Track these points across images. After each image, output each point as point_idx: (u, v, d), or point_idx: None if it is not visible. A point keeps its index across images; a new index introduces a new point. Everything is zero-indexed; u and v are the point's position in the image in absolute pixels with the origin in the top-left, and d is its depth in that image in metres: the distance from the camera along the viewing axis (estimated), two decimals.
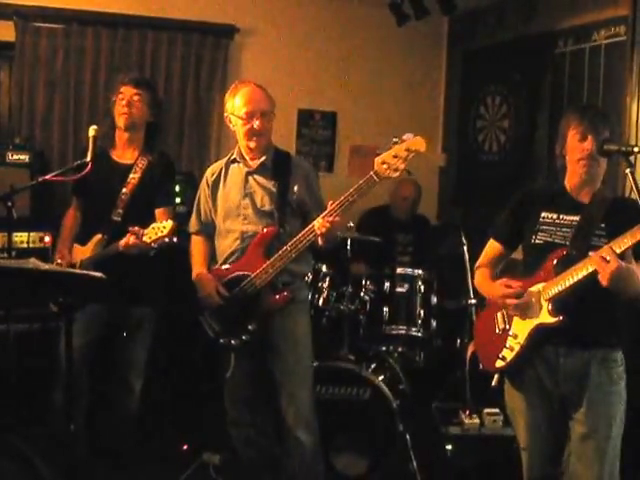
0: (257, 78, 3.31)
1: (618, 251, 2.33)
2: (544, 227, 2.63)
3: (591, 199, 2.60)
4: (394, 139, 2.86)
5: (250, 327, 3.11)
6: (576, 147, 2.55)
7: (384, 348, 4.14)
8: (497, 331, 2.72)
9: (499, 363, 2.68)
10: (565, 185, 2.66)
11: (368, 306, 4.08)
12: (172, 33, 4.95)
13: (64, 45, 4.77)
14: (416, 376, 4.19)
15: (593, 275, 2.38)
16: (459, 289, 4.24)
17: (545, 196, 2.70)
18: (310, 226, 2.99)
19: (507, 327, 2.69)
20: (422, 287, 4.17)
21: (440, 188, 5.80)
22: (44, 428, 3.42)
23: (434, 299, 4.19)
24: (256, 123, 3.09)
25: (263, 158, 3.18)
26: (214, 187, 3.27)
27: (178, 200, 4.22)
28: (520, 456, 2.75)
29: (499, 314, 2.73)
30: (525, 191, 2.81)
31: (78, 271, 3.19)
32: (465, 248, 4.15)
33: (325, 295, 3.93)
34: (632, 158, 2.47)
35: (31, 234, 3.94)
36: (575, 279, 2.45)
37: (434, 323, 4.16)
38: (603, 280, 2.33)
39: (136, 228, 3.17)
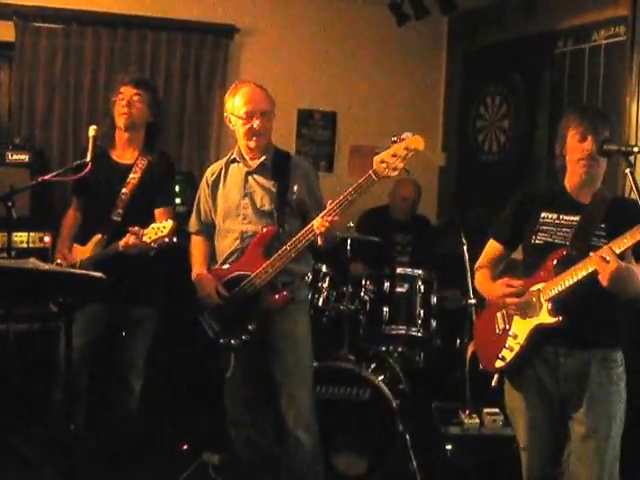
0: (257, 78, 3.30)
1: (618, 251, 2.33)
2: (544, 227, 2.62)
3: (591, 199, 2.60)
4: (393, 138, 2.86)
5: (250, 327, 3.11)
6: (576, 147, 2.55)
7: (384, 348, 4.14)
8: (497, 331, 2.72)
9: (499, 363, 2.68)
10: (565, 185, 2.66)
11: (368, 306, 4.07)
12: (172, 33, 4.95)
13: (64, 45, 4.77)
14: (416, 376, 4.19)
15: (593, 275, 2.38)
16: (459, 289, 4.25)
17: (545, 196, 2.70)
18: (309, 226, 2.98)
19: (507, 327, 2.69)
20: (422, 287, 4.16)
21: (440, 188, 5.80)
22: (44, 428, 3.42)
23: (434, 299, 4.19)
24: (256, 123, 3.09)
25: (263, 158, 3.18)
26: (214, 187, 3.27)
27: (178, 200, 4.21)
28: (520, 456, 2.74)
29: (499, 314, 2.73)
30: (525, 191, 2.81)
31: (78, 271, 3.18)
32: (465, 248, 4.15)
33: (325, 295, 3.93)
34: (632, 158, 2.46)
35: (31, 234, 3.94)
36: (575, 279, 2.45)
37: (434, 323, 4.15)
38: (603, 280, 2.33)
39: (136, 228, 3.17)
